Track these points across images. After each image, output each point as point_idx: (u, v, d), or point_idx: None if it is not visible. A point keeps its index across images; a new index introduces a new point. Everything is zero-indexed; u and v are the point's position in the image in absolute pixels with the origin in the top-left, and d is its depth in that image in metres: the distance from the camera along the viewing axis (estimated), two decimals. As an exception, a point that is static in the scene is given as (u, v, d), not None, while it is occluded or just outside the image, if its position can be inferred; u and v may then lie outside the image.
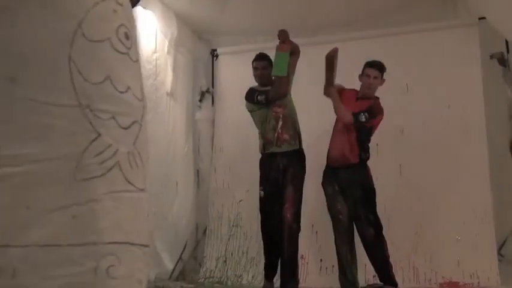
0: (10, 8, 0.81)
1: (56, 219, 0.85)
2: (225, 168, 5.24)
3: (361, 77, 4.21)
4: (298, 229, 4.09)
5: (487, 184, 4.57)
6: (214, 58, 5.93)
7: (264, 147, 4.30)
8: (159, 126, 4.70)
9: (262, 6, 5.01)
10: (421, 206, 4.70)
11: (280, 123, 4.22)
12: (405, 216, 4.69)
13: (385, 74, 4.27)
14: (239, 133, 5.20)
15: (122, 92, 0.92)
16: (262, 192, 4.25)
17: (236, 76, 5.45)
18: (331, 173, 4.16)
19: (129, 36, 0.96)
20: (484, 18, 4.68)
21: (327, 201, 4.20)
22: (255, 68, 4.42)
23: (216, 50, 5.92)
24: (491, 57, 4.81)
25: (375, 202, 4.07)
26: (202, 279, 5.04)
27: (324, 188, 4.21)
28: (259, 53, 4.48)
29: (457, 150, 4.71)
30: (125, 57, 0.94)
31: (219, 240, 5.18)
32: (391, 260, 4.02)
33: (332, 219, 4.16)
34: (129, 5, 1.02)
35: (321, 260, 4.70)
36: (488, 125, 4.72)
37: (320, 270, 4.75)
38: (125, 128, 0.92)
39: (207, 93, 5.76)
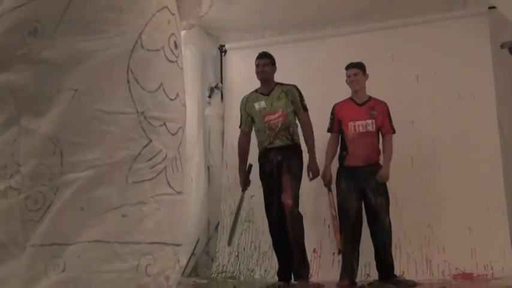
0: (80, 24, 0.86)
1: (107, 218, 0.90)
2: (237, 163, 5.24)
3: (346, 82, 4.45)
4: (301, 215, 4.18)
5: (499, 174, 4.53)
6: (223, 54, 5.93)
7: (259, 146, 4.50)
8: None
9: (268, 1, 5.00)
10: (433, 197, 4.70)
11: (277, 129, 4.33)
12: (417, 209, 4.68)
13: (392, 65, 4.34)
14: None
15: (172, 100, 0.98)
16: (261, 189, 4.44)
17: (245, 71, 5.42)
18: (349, 172, 4.31)
19: (177, 45, 1.01)
20: (493, 7, 4.63)
21: (338, 197, 4.33)
22: (256, 65, 4.52)
23: (224, 45, 5.92)
24: (502, 46, 4.74)
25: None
26: (215, 275, 5.07)
27: (337, 186, 4.35)
28: (261, 52, 4.58)
29: (468, 140, 4.68)
30: (174, 66, 0.99)
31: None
32: (404, 252, 4.03)
33: (342, 215, 4.29)
34: (178, 14, 1.06)
35: (333, 254, 4.69)
36: (500, 114, 4.68)
37: (332, 263, 4.75)
38: (173, 134, 0.98)
39: (216, 89, 5.76)
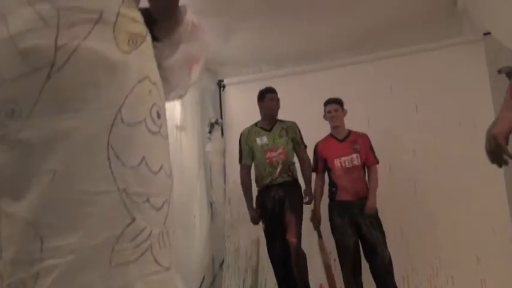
0: (58, 102, 0.84)
1: None
2: (239, 199, 5.21)
3: (324, 117, 4.49)
4: (304, 253, 4.18)
5: (504, 201, 4.48)
6: (222, 89, 5.95)
7: (258, 183, 4.49)
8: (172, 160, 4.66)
9: (264, 35, 5.04)
10: (439, 227, 4.65)
11: (279, 168, 4.35)
12: (424, 240, 4.63)
13: (391, 95, 4.34)
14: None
15: (155, 173, 0.93)
16: (264, 225, 4.41)
17: (244, 106, 5.47)
18: (341, 207, 4.30)
19: (160, 114, 0.97)
20: (488, 33, 4.64)
21: (334, 233, 4.31)
22: (264, 100, 4.54)
23: (222, 80, 5.94)
24: (499, 72, 4.74)
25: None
26: (222, 313, 5.00)
27: (331, 222, 4.33)
28: (269, 86, 4.62)
29: (471, 167, 4.61)
30: (157, 137, 0.95)
31: (236, 273, 5.13)
32: (413, 284, 3.97)
33: (341, 251, 4.27)
34: (161, 81, 1.03)
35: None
36: (501, 140, 4.63)
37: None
38: (158, 209, 0.93)
39: (216, 125, 5.75)
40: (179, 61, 1.22)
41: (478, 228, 4.48)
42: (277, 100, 4.55)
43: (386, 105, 4.97)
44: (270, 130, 4.51)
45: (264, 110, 4.56)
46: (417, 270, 4.47)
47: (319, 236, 4.41)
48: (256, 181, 4.53)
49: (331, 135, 4.52)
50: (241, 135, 4.65)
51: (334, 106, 4.44)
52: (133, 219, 0.88)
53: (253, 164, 4.59)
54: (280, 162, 4.36)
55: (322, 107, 4.53)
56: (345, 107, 4.50)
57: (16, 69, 0.84)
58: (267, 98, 4.53)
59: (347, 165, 4.32)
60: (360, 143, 4.39)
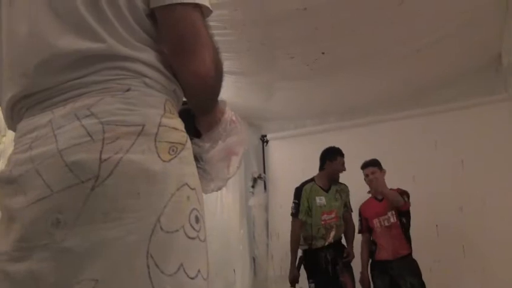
0: (100, 213, 0.88)
1: None
2: (282, 254, 5.16)
3: (365, 181, 4.43)
4: None
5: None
6: (265, 144, 6.02)
7: (306, 241, 4.42)
8: (211, 215, 4.71)
9: (308, 91, 5.08)
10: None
11: (333, 233, 4.37)
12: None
13: (436, 151, 4.29)
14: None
15: (192, 278, 0.95)
16: (312, 285, 4.32)
17: (287, 161, 5.50)
18: (382, 267, 4.25)
19: (198, 218, 1.00)
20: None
21: None
22: (337, 163, 4.54)
23: (265, 135, 6.02)
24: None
25: None
26: None
27: (374, 283, 4.28)
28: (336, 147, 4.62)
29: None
30: (195, 242, 0.97)
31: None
32: None
33: None
34: (200, 185, 1.05)
35: None
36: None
37: None
38: None
39: (259, 179, 5.79)
40: (218, 155, 1.25)
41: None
42: (344, 164, 4.56)
43: (431, 160, 4.91)
44: (327, 191, 4.52)
45: (330, 172, 4.54)
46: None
47: None
48: (305, 240, 4.45)
49: (372, 196, 4.50)
50: (302, 190, 4.53)
51: (370, 169, 4.40)
52: None
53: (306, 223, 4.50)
54: (334, 225, 4.40)
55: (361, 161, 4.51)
56: (390, 162, 4.45)
57: (63, 182, 0.89)
58: (338, 161, 4.53)
59: (385, 224, 4.29)
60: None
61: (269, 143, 5.99)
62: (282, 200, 5.42)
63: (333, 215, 4.42)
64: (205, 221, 1.04)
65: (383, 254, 4.25)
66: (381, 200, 4.41)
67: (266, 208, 5.68)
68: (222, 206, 5.08)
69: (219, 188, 1.30)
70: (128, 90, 0.97)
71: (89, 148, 0.90)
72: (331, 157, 4.54)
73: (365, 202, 4.55)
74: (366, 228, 4.46)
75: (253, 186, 5.79)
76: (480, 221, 4.63)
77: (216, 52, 1.09)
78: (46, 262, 0.89)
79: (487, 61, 4.77)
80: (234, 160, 1.30)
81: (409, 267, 4.12)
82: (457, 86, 5.02)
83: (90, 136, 0.91)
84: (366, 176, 4.41)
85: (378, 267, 4.29)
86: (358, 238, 4.53)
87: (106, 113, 0.93)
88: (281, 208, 5.42)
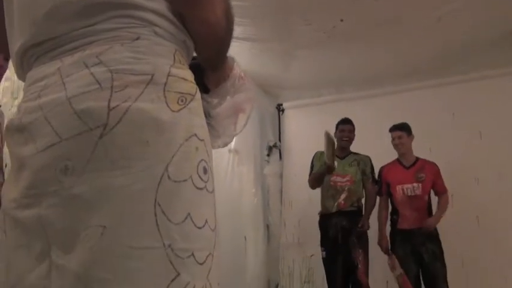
0: (108, 161, 0.88)
1: None
2: (295, 222, 5.20)
3: (392, 144, 4.44)
4: None
5: None
6: (281, 112, 6.00)
7: (322, 208, 4.48)
8: (221, 183, 4.71)
9: (325, 60, 4.99)
10: (503, 259, 4.46)
11: (344, 195, 4.34)
12: (485, 271, 4.46)
13: (454, 122, 4.24)
14: (308, 187, 5.13)
15: (200, 228, 0.95)
16: (324, 253, 4.36)
17: (303, 130, 5.49)
18: (403, 236, 4.23)
19: (206, 169, 0.99)
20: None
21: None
22: (340, 131, 4.58)
23: (281, 104, 6.00)
24: None
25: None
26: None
27: (394, 251, 4.26)
28: (345, 118, 4.65)
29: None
30: (203, 192, 0.97)
31: (291, 297, 5.09)
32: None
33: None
34: (208, 137, 1.05)
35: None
36: None
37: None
38: (201, 264, 0.94)
39: (274, 148, 5.79)
40: (226, 111, 1.25)
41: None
42: (349, 131, 4.57)
43: (448, 132, 4.87)
44: (342, 158, 4.52)
45: (341, 142, 4.57)
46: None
47: (389, 254, 4.29)
48: (321, 205, 4.52)
49: (398, 160, 4.47)
50: (314, 154, 4.64)
51: (397, 133, 4.40)
52: (178, 274, 0.89)
53: (321, 189, 4.57)
54: (346, 188, 4.37)
55: (382, 133, 4.49)
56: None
57: (72, 129, 0.89)
58: (338, 129, 4.59)
59: (409, 194, 4.26)
60: (426, 171, 4.31)
61: (285, 112, 5.98)
62: (296, 169, 5.46)
63: (345, 178, 4.41)
64: (216, 189, 1.03)
65: (405, 224, 4.24)
66: (408, 168, 4.37)
67: (281, 176, 5.70)
68: (233, 175, 5.04)
69: (225, 144, 1.30)
70: (137, 39, 0.96)
71: (97, 96, 0.89)
72: (336, 127, 4.61)
73: (389, 166, 4.50)
74: (386, 192, 4.43)
75: (268, 155, 5.79)
76: (495, 192, 4.61)
77: (227, 4, 1.08)
78: (54, 208, 0.89)
79: (507, 31, 4.65)
80: (241, 117, 1.30)
81: (430, 235, 4.12)
82: (475, 57, 4.88)
83: (99, 84, 0.90)
84: (393, 139, 4.42)
85: (399, 236, 4.27)
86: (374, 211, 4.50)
87: (115, 61, 0.92)
88: (295, 177, 5.45)
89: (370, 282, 4.29)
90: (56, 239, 0.90)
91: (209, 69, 1.23)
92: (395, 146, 4.40)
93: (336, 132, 4.58)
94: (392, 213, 4.39)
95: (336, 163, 4.36)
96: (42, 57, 1.00)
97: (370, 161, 4.56)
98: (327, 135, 4.20)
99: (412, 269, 4.11)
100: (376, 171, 4.56)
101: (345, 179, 4.42)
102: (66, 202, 0.89)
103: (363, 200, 4.53)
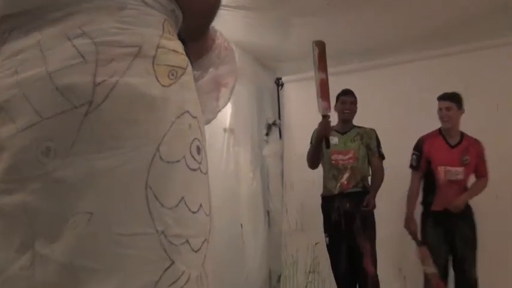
0: (95, 141, 0.84)
1: None
2: (297, 206, 4.91)
3: (438, 112, 3.99)
4: (378, 279, 3.93)
5: None
6: (280, 87, 5.71)
7: (324, 189, 4.21)
8: (215, 166, 4.38)
9: (326, 30, 4.67)
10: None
11: (347, 175, 4.03)
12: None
13: (469, 94, 4.08)
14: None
15: (194, 212, 0.91)
16: (327, 239, 4.11)
17: (304, 105, 5.18)
18: (437, 218, 3.91)
19: (200, 149, 0.95)
20: None
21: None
22: (341, 103, 4.30)
23: (280, 78, 5.69)
24: None
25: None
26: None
27: (425, 233, 3.94)
28: (346, 88, 4.37)
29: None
30: (197, 173, 0.93)
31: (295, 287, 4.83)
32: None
33: None
34: (201, 114, 1.01)
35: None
36: None
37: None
38: (196, 251, 0.91)
39: (273, 126, 5.49)
40: (207, 84, 1.24)
41: None
42: (350, 103, 4.26)
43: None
44: (343, 133, 4.23)
45: (341, 114, 4.29)
46: None
47: (419, 243, 3.95)
48: (323, 187, 4.23)
49: (441, 134, 4.04)
50: (313, 131, 4.33)
51: (446, 103, 3.94)
52: (172, 263, 0.86)
53: (322, 166, 4.29)
54: (349, 167, 4.05)
55: (387, 105, 4.16)
56: (413, 105, 4.07)
57: (54, 107, 0.84)
58: (339, 100, 4.31)
59: (450, 178, 3.90)
60: (470, 152, 3.94)
61: (284, 86, 5.65)
62: (298, 148, 5.11)
63: (347, 156, 4.09)
64: (210, 172, 0.99)
65: (439, 205, 3.90)
66: (453, 147, 3.97)
67: (281, 157, 5.41)
68: (229, 156, 4.69)
69: (209, 121, 1.23)
70: (124, 8, 0.91)
71: (81, 70, 0.84)
72: (336, 99, 4.32)
73: (432, 139, 4.07)
74: (424, 168, 4.03)
75: (267, 134, 5.49)
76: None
77: None
78: (38, 194, 0.85)
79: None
80: (224, 92, 1.27)
81: (465, 218, 3.85)
82: (488, 23, 4.44)
83: (83, 57, 0.85)
84: (439, 109, 3.96)
85: (432, 218, 3.95)
86: (383, 190, 4.17)
87: (99, 32, 0.87)
88: (297, 157, 5.11)
89: (380, 271, 3.98)
90: (41, 227, 0.85)
91: (191, 39, 1.15)
92: (441, 119, 3.94)
93: (336, 104, 4.30)
94: (427, 193, 4.03)
95: (336, 139, 4.10)
96: (19, 29, 0.92)
97: (376, 133, 4.23)
98: (314, 43, 3.94)
99: (442, 255, 3.84)
100: (383, 146, 4.22)
101: (347, 157, 4.10)
102: (50, 187, 0.85)
103: (370, 179, 4.20)
